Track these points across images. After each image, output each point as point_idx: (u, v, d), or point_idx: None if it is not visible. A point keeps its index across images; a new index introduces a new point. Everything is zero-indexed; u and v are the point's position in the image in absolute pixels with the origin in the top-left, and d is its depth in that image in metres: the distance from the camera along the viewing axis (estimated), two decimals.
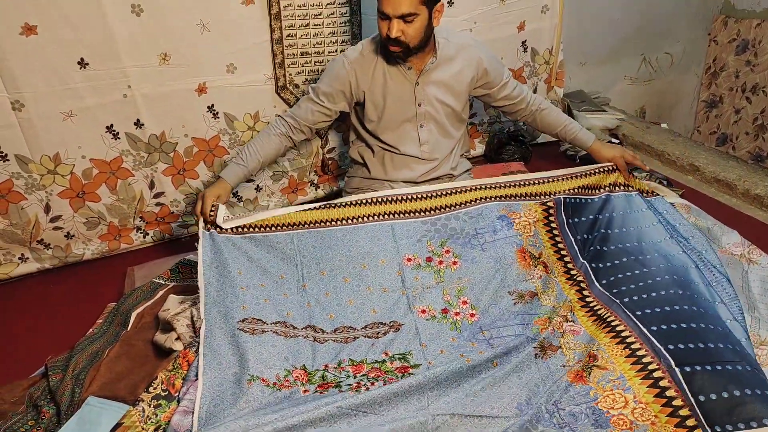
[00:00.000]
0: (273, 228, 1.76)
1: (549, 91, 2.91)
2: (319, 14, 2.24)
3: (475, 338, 1.55)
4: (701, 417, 1.22)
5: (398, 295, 1.67)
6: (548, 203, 1.86)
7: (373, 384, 1.41)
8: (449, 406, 1.34)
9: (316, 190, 2.58)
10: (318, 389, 1.43)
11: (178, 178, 2.27)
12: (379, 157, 2.06)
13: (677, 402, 1.26)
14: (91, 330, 1.81)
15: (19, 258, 2.14)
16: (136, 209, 2.25)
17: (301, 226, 1.78)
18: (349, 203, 1.83)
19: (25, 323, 1.94)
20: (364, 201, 1.84)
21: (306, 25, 2.23)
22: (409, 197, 1.85)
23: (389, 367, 1.48)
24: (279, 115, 2.03)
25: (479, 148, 2.86)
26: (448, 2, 2.38)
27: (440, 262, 1.73)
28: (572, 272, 1.72)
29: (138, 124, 2.10)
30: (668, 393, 1.28)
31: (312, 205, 1.83)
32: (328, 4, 2.23)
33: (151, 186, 2.24)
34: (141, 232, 2.30)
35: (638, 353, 1.38)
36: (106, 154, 2.10)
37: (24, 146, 1.96)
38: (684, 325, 1.42)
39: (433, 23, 1.81)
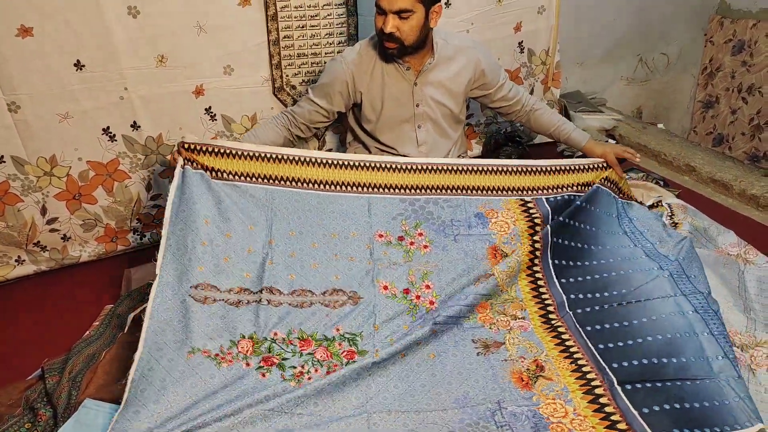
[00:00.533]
0: (250, 178, 1.72)
1: (546, 91, 2.91)
2: (316, 15, 2.24)
3: (425, 324, 1.54)
4: (645, 426, 1.28)
5: (364, 264, 1.67)
6: (529, 203, 1.83)
7: (316, 371, 1.42)
8: (387, 403, 1.36)
9: None
10: (261, 363, 1.43)
11: None
12: None
13: (615, 417, 1.31)
14: (87, 332, 1.81)
15: (16, 260, 2.13)
16: (132, 211, 2.24)
17: (278, 181, 1.74)
18: (329, 162, 1.78)
19: (22, 326, 1.93)
20: (343, 163, 1.79)
21: (303, 27, 2.23)
22: (389, 166, 1.81)
23: (336, 349, 1.49)
24: (282, 111, 2.04)
25: (476, 149, 2.86)
26: (446, 3, 2.39)
27: (411, 243, 1.73)
28: (535, 268, 1.72)
29: (135, 126, 2.10)
30: (607, 409, 1.34)
31: (292, 154, 1.77)
32: (324, 6, 2.23)
33: (148, 188, 2.24)
34: (138, 234, 2.30)
35: (583, 369, 1.44)
36: (103, 156, 2.10)
37: (20, 148, 1.95)
38: (631, 342, 1.47)
39: (429, 23, 1.82)
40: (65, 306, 2.01)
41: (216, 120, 2.23)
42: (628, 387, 1.36)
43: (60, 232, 2.14)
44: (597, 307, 1.61)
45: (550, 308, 1.64)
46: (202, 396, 1.34)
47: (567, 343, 1.52)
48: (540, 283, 1.69)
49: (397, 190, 1.80)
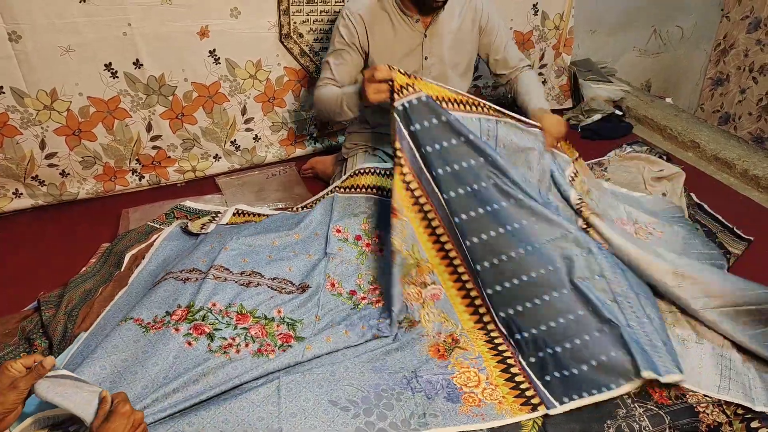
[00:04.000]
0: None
1: (557, 57, 2.86)
2: None
3: (368, 324, 1.50)
4: (547, 393, 1.34)
5: (320, 257, 1.65)
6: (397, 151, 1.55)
7: (247, 345, 1.37)
8: (302, 368, 1.33)
9: (314, 143, 2.56)
10: (191, 331, 1.37)
11: (176, 123, 2.24)
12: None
13: (524, 385, 1.36)
14: (84, 268, 1.82)
15: (13, 193, 2.12)
16: (132, 151, 2.22)
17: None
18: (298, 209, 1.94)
19: (18, 258, 1.94)
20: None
21: None
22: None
23: (274, 330, 1.44)
24: (322, 84, 1.87)
25: None
26: None
27: (367, 245, 1.70)
28: (428, 214, 1.56)
29: (137, 64, 2.06)
30: (517, 379, 1.38)
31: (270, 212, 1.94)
32: None
33: (149, 128, 2.21)
34: (137, 175, 2.28)
35: (496, 341, 1.47)
36: (104, 93, 2.07)
37: (20, 79, 1.92)
38: (529, 305, 1.45)
39: None
40: (62, 242, 2.01)
41: (220, 63, 2.19)
42: (532, 360, 1.41)
43: (59, 167, 2.13)
44: (495, 260, 1.49)
45: (458, 264, 1.55)
46: (122, 356, 1.31)
47: (480, 311, 1.50)
48: (439, 231, 1.56)
49: (364, 190, 1.83)
